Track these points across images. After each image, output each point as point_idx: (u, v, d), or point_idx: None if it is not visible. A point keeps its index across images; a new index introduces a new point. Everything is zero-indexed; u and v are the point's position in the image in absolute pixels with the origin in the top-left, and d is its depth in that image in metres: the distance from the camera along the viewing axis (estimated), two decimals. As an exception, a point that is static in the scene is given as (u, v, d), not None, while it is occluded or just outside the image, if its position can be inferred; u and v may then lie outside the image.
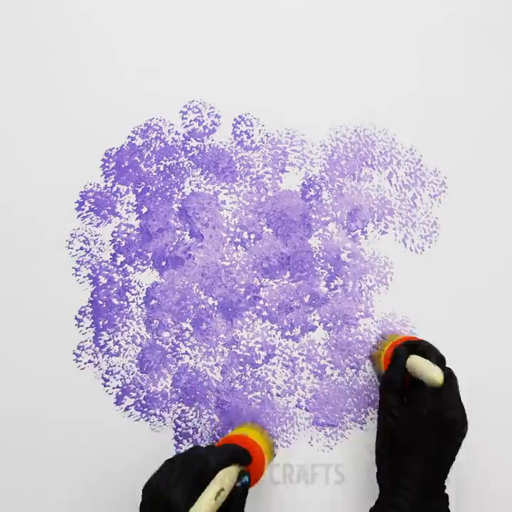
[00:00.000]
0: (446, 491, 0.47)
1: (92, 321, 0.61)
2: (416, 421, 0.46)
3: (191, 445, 0.60)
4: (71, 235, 0.61)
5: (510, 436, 0.59)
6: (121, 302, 0.61)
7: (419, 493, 0.45)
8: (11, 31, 0.62)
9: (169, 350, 0.60)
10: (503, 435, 0.59)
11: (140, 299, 0.61)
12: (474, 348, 0.60)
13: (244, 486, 0.44)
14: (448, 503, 0.47)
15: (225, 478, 0.41)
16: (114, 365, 0.61)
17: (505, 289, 0.60)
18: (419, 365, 0.47)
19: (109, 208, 0.61)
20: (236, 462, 0.44)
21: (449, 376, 0.47)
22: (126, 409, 0.60)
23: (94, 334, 0.61)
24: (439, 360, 0.48)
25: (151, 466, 0.60)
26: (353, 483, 0.60)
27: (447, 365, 0.49)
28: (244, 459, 0.46)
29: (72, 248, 0.61)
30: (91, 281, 0.61)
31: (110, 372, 0.61)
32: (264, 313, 0.60)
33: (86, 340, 0.61)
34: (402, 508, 0.45)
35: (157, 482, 0.42)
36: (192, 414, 0.60)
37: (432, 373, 0.44)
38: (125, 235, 0.61)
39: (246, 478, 0.44)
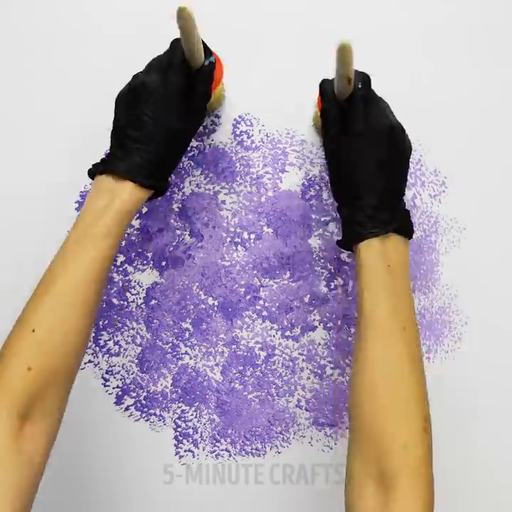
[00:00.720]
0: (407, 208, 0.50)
1: (92, 321, 0.61)
2: (354, 138, 0.47)
3: (192, 445, 0.60)
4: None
5: None
6: (121, 302, 0.61)
7: (376, 207, 0.47)
8: (13, 30, 0.62)
9: (169, 350, 0.60)
10: None
11: (140, 299, 0.61)
12: (475, 349, 0.60)
13: (210, 64, 0.49)
14: (409, 218, 0.49)
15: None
16: (114, 365, 0.61)
17: (505, 289, 0.60)
18: (335, 71, 0.46)
19: (109, 207, 0.61)
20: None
21: (370, 93, 0.49)
22: (126, 409, 0.60)
23: (94, 334, 0.61)
24: (362, 80, 0.48)
25: (151, 466, 0.61)
26: (353, 483, 0.60)
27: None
28: (209, 51, 0.50)
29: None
30: (91, 281, 0.61)
31: (110, 372, 0.61)
32: (264, 313, 0.60)
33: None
34: (360, 224, 0.47)
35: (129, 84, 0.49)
36: (192, 414, 0.60)
37: (338, 42, 0.43)
38: (125, 235, 0.61)
39: (212, 58, 0.49)
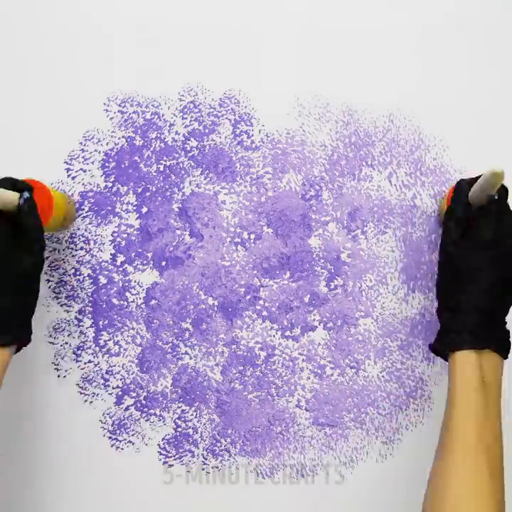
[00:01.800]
0: (507, 328, 0.47)
1: (92, 321, 0.61)
2: (477, 249, 0.46)
3: (192, 446, 0.60)
4: (71, 234, 0.61)
5: None
6: (121, 302, 0.61)
7: (478, 323, 0.45)
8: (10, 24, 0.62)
9: (169, 350, 0.60)
10: None
11: (140, 299, 0.61)
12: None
13: (26, 200, 0.47)
14: (509, 338, 0.47)
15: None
16: (114, 365, 0.61)
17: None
18: (478, 182, 0.45)
19: (109, 207, 0.61)
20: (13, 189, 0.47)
21: (504, 206, 0.46)
22: (126, 409, 0.60)
23: (94, 334, 0.61)
24: (502, 190, 0.47)
25: (151, 466, 0.61)
26: (353, 483, 0.60)
27: None
28: (24, 186, 0.48)
29: (72, 248, 0.61)
30: (91, 281, 0.61)
31: (110, 372, 0.61)
32: (264, 313, 0.60)
33: (86, 341, 0.61)
34: (460, 332, 0.45)
35: None
36: (192, 414, 0.60)
37: (491, 168, 0.43)
38: (125, 235, 0.61)
39: (26, 194, 0.47)
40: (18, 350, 0.50)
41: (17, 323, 0.48)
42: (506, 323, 0.48)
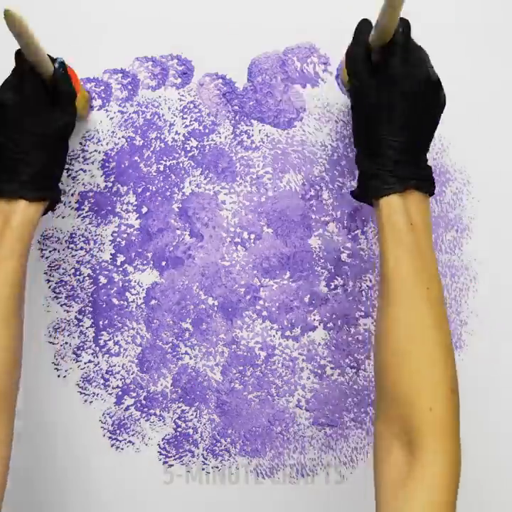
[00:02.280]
0: (429, 164, 0.46)
1: (92, 321, 0.61)
2: (387, 85, 0.44)
3: (192, 446, 0.60)
4: (71, 234, 0.61)
5: None
6: (121, 302, 0.61)
7: (398, 161, 0.44)
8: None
9: (169, 350, 0.60)
10: None
11: (140, 299, 0.61)
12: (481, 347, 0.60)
13: (61, 65, 0.49)
14: (431, 175, 0.46)
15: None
16: (114, 365, 0.61)
17: (503, 297, 0.60)
18: (379, 15, 0.42)
19: (109, 207, 0.61)
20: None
21: (409, 41, 0.45)
22: (127, 409, 0.60)
23: (94, 334, 0.61)
24: (403, 26, 0.44)
25: (151, 466, 0.61)
26: (353, 483, 0.60)
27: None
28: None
29: (72, 248, 0.61)
30: (91, 281, 0.61)
31: (110, 372, 0.61)
32: (264, 313, 0.60)
33: (86, 340, 0.61)
34: (382, 177, 0.45)
35: None
36: (192, 414, 0.60)
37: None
38: (125, 235, 0.61)
39: (61, 58, 0.49)
40: (45, 211, 0.51)
41: (48, 181, 0.50)
42: (427, 160, 0.47)
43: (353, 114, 0.49)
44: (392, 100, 0.44)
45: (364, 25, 0.47)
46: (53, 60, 0.49)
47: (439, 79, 0.45)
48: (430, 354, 0.42)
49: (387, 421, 0.43)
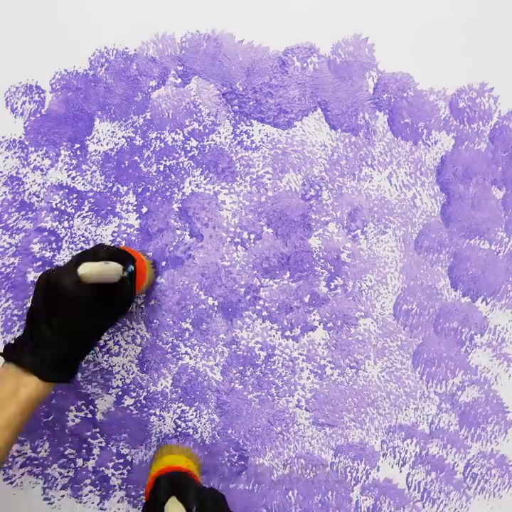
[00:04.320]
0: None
1: (92, 321, 0.61)
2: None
3: (192, 444, 0.60)
4: (71, 234, 0.61)
5: None
6: (121, 302, 0.61)
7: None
8: None
9: (169, 350, 0.60)
10: None
11: (140, 299, 0.61)
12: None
13: (130, 273, 0.49)
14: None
15: (110, 265, 0.47)
16: (114, 365, 0.61)
17: (504, 304, 0.60)
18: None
19: (109, 207, 0.61)
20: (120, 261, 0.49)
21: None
22: (127, 409, 0.60)
23: (94, 334, 0.61)
24: (198, 502, 0.46)
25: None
26: (353, 484, 0.60)
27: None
28: (128, 258, 0.51)
29: (72, 248, 0.61)
30: (91, 281, 0.61)
31: (110, 372, 0.61)
32: (264, 313, 0.60)
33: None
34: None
35: (50, 271, 0.47)
36: (192, 414, 0.60)
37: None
38: (125, 235, 0.61)
39: (131, 267, 0.49)
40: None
41: (66, 367, 0.48)
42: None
43: None
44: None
45: (163, 484, 0.48)
46: (127, 261, 0.49)
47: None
48: None
49: None
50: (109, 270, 0.46)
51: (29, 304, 0.49)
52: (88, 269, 0.44)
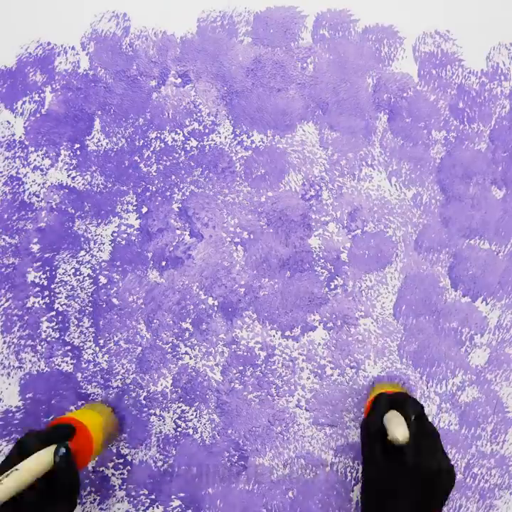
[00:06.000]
0: None
1: (92, 321, 0.61)
2: (399, 471, 0.45)
3: (192, 443, 0.60)
4: (71, 234, 0.61)
5: None
6: (121, 302, 0.61)
7: None
8: None
9: (169, 350, 0.60)
10: None
11: (140, 299, 0.61)
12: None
13: (62, 456, 0.44)
14: None
15: (27, 463, 0.42)
16: (114, 365, 0.61)
17: (504, 313, 0.60)
18: (389, 420, 0.46)
19: (109, 207, 0.61)
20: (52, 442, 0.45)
21: (422, 429, 0.46)
22: (127, 409, 0.60)
23: (94, 334, 0.61)
24: (415, 412, 0.47)
25: (151, 466, 0.60)
26: (353, 484, 0.60)
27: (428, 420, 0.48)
28: (59, 437, 0.47)
29: (72, 248, 0.61)
30: (91, 281, 0.61)
31: (110, 372, 0.61)
32: (264, 313, 0.60)
33: (86, 341, 0.61)
34: None
35: None
36: (192, 414, 0.60)
37: (395, 434, 0.43)
38: (125, 235, 0.61)
39: (62, 450, 0.44)
40: None
41: None
42: None
43: (363, 476, 0.49)
44: (403, 485, 0.45)
45: (383, 401, 0.48)
46: (57, 448, 0.45)
47: (447, 467, 0.46)
48: None
49: None
50: (24, 476, 0.41)
51: None
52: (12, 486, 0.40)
